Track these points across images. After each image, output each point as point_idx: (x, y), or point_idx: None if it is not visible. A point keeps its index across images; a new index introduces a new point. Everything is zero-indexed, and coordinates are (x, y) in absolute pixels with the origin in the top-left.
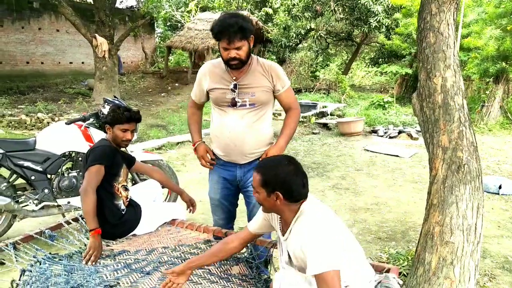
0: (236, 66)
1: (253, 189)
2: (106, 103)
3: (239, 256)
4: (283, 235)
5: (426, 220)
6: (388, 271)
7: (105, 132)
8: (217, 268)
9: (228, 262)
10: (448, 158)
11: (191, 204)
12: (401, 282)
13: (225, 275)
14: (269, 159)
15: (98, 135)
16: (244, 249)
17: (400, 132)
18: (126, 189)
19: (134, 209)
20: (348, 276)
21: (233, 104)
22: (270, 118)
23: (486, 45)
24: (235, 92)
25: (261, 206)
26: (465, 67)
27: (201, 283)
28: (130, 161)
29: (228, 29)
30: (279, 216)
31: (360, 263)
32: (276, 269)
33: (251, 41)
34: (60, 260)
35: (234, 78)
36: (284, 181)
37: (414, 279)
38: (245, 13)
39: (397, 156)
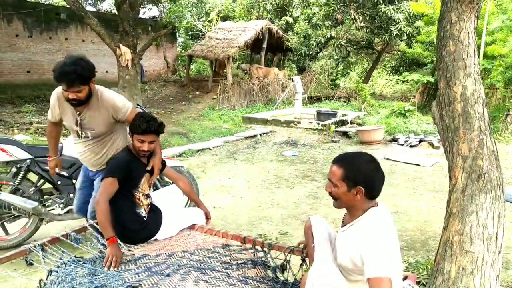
0: (75, 104)
1: (330, 183)
2: None
3: (256, 259)
4: (342, 226)
5: (445, 229)
6: (405, 278)
7: None
8: (234, 271)
9: (246, 265)
10: (468, 167)
11: (206, 217)
12: None
13: (243, 278)
14: (350, 154)
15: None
16: (262, 253)
17: (421, 141)
18: (148, 197)
19: (155, 214)
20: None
21: (78, 136)
22: (116, 142)
23: (511, 52)
24: (77, 126)
25: (333, 200)
26: (489, 75)
27: (219, 286)
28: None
29: (67, 76)
30: (345, 211)
31: (398, 279)
32: (295, 275)
33: (92, 84)
34: (84, 263)
35: (78, 113)
36: (367, 177)
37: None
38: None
39: (417, 165)
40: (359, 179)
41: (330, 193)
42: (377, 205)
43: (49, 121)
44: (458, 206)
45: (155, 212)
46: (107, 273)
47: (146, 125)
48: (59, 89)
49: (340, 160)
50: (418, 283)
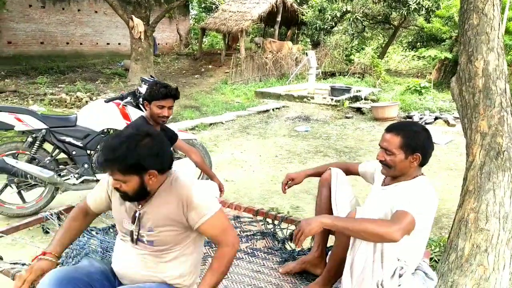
0: (122, 196)
1: (384, 151)
2: (144, 82)
3: (265, 231)
4: (382, 185)
5: (460, 206)
6: None
7: (142, 110)
8: (243, 244)
9: (255, 237)
10: (486, 144)
11: (219, 189)
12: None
13: (251, 250)
14: (403, 122)
15: (135, 113)
16: (271, 225)
17: (436, 118)
18: None
19: None
20: (409, 254)
21: (132, 239)
22: (182, 260)
23: None
24: (134, 224)
25: (385, 168)
26: (510, 51)
27: None
28: (171, 138)
29: (103, 156)
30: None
31: (422, 249)
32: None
33: (151, 176)
34: (97, 233)
35: (139, 204)
36: (424, 145)
37: (445, 265)
38: None
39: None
40: (418, 146)
41: (383, 162)
42: (423, 175)
43: (83, 204)
44: (474, 184)
45: None
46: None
47: (166, 90)
48: None
49: (396, 128)
50: (430, 259)
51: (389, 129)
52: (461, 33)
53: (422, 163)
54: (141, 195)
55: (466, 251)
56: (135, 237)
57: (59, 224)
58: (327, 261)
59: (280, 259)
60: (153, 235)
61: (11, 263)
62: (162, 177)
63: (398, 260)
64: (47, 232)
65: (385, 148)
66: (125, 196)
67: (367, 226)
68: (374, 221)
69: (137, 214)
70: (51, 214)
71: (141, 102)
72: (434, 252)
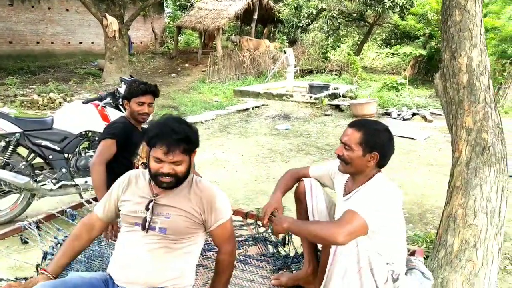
0: (167, 185)
1: (343, 146)
2: (123, 82)
3: (257, 236)
4: (344, 195)
5: (448, 202)
6: (413, 253)
7: (122, 111)
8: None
9: (247, 243)
10: (472, 140)
11: None
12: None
13: (243, 257)
14: (367, 120)
15: (114, 114)
16: (263, 229)
17: (414, 114)
18: (146, 167)
19: None
20: (393, 256)
21: (143, 226)
22: (189, 256)
23: (505, 25)
24: (148, 210)
25: (342, 164)
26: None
27: None
28: None
29: (173, 135)
30: (346, 178)
31: (403, 246)
32: (296, 248)
33: (192, 157)
34: None
35: (154, 193)
36: (383, 145)
37: (435, 261)
38: None
39: (411, 138)
40: (377, 145)
41: (340, 157)
42: (380, 172)
43: (87, 218)
44: (461, 180)
45: None
46: (103, 257)
47: (145, 86)
48: (135, 171)
49: (358, 124)
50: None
51: (351, 125)
52: (444, 30)
53: (380, 163)
54: (185, 178)
55: (455, 247)
56: (147, 224)
57: (39, 234)
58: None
59: (274, 267)
60: (168, 222)
61: None
62: None
63: (387, 264)
64: (25, 242)
65: (345, 143)
66: (171, 182)
67: (313, 228)
68: (320, 224)
69: (151, 203)
70: (30, 224)
71: (121, 103)
72: (422, 248)
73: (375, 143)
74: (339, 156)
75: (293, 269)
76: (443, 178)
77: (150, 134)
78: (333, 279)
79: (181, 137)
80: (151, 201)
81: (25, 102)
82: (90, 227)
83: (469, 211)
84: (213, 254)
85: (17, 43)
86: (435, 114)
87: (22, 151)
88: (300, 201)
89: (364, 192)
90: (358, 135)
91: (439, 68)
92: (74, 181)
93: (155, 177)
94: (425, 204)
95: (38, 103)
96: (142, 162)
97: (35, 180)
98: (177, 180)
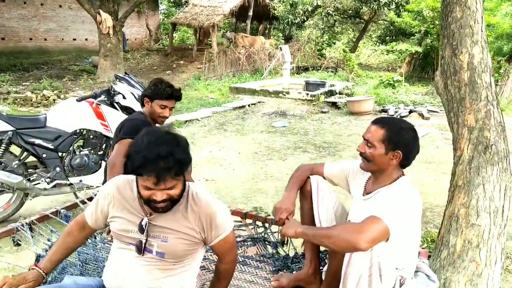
0: (163, 209)
1: (366, 143)
2: (118, 80)
3: (256, 236)
4: (364, 195)
5: (450, 201)
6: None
7: (117, 109)
8: None
9: (245, 243)
10: (474, 138)
11: None
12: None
13: (242, 258)
14: (392, 118)
15: (109, 112)
16: (262, 229)
17: (411, 112)
18: None
19: None
20: (404, 261)
21: (139, 250)
22: (186, 275)
23: (501, 22)
24: (143, 233)
25: (364, 161)
26: None
27: None
28: None
29: (161, 162)
30: (367, 178)
31: (416, 252)
32: (295, 248)
33: (187, 173)
34: None
35: (148, 213)
36: (408, 143)
37: (437, 261)
38: None
39: None
40: (400, 143)
41: (362, 154)
42: (404, 175)
43: (79, 217)
44: (464, 179)
45: None
46: (98, 261)
47: (171, 90)
48: (120, 181)
49: (382, 121)
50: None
51: (375, 121)
52: (444, 26)
53: (403, 163)
54: (181, 197)
55: (458, 247)
56: (143, 247)
57: (32, 236)
58: (323, 277)
59: (273, 268)
60: (165, 246)
61: None
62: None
63: (397, 269)
64: (18, 245)
65: (367, 140)
66: (167, 206)
67: (331, 233)
68: (338, 228)
69: (143, 223)
70: (22, 225)
71: (139, 99)
72: (422, 248)
73: (398, 141)
74: (361, 153)
75: (293, 269)
76: (442, 176)
77: (135, 163)
78: (349, 285)
79: (170, 164)
80: (141, 220)
81: (18, 99)
82: (82, 226)
83: (471, 210)
84: (211, 255)
85: (9, 39)
86: (432, 111)
87: (15, 149)
88: (305, 198)
89: (387, 195)
90: (381, 132)
91: (438, 65)
92: (68, 180)
93: (148, 203)
94: (424, 202)
95: (31, 100)
96: None
97: (29, 179)
98: (173, 203)
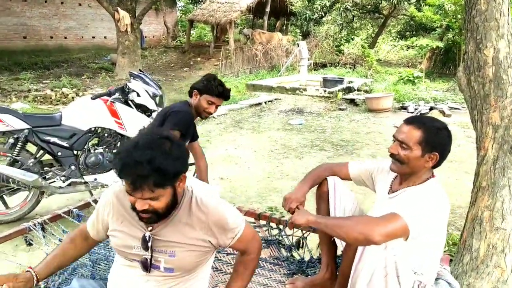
0: (147, 220)
1: (399, 144)
2: (132, 77)
3: (270, 238)
4: (389, 193)
5: (473, 204)
6: None
7: (131, 107)
8: None
9: None
10: (499, 137)
11: None
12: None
13: None
14: (425, 117)
15: (124, 110)
16: (276, 231)
17: (431, 109)
18: None
19: None
20: (424, 266)
21: (145, 267)
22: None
23: None
24: (147, 250)
25: (396, 163)
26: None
27: (230, 271)
28: (194, 136)
29: (134, 169)
30: (393, 176)
31: (438, 258)
32: (311, 250)
33: (180, 183)
34: None
35: (149, 227)
36: (445, 144)
37: (459, 267)
38: None
39: None
40: (438, 144)
41: (395, 156)
42: (434, 177)
43: (83, 227)
44: (488, 180)
45: None
46: (109, 261)
47: (222, 89)
48: (119, 189)
49: (417, 121)
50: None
51: (409, 121)
52: (468, 20)
53: (438, 164)
54: (170, 210)
55: (482, 252)
56: (149, 264)
57: (43, 236)
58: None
59: (288, 271)
60: (174, 262)
61: None
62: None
63: (415, 273)
64: (30, 244)
65: (402, 141)
66: (151, 217)
67: (344, 223)
68: (354, 219)
69: (147, 237)
70: (35, 225)
71: (190, 89)
72: (444, 251)
73: (436, 143)
74: (393, 155)
75: (308, 273)
76: (464, 175)
77: (116, 166)
78: (359, 282)
79: (145, 172)
80: (144, 235)
81: (38, 97)
82: (85, 236)
83: (496, 213)
84: (224, 256)
85: (31, 38)
86: (453, 108)
87: (31, 147)
88: (323, 199)
89: (414, 194)
90: (417, 134)
91: (460, 61)
92: (83, 178)
93: (133, 210)
94: None
95: (51, 98)
96: None
97: (44, 178)
98: (158, 216)
